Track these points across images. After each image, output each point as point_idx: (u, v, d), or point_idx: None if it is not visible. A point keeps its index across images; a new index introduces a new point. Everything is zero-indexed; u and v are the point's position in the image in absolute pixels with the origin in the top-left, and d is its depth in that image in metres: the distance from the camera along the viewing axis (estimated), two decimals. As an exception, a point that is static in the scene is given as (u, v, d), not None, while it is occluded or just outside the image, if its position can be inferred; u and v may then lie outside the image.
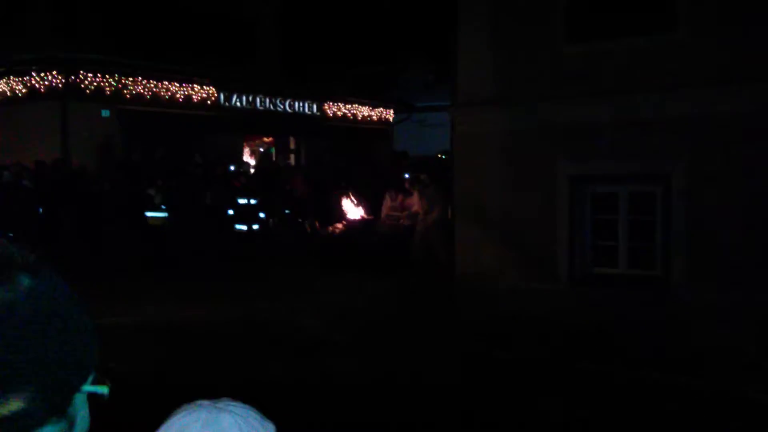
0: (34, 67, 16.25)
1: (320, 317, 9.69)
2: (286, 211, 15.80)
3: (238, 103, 19.74)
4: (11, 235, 11.34)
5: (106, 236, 12.19)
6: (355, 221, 16.04)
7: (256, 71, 19.94)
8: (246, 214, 14.46)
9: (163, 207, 12.88)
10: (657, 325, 8.43)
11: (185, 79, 18.21)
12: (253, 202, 14.73)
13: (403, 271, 12.25)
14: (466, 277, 10.54)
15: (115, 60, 16.53)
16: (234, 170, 16.97)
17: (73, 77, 16.13)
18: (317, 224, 16.14)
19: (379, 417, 6.23)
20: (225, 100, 19.32)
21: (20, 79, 16.53)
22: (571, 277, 9.90)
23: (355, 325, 9.36)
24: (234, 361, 7.71)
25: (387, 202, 14.88)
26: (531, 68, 10.15)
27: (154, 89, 17.62)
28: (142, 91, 17.35)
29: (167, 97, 17.91)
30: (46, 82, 16.31)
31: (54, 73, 16.20)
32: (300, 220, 16.06)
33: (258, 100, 20.27)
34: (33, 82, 16.39)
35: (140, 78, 17.26)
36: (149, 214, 12.79)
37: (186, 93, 18.32)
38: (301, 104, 21.66)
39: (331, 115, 22.82)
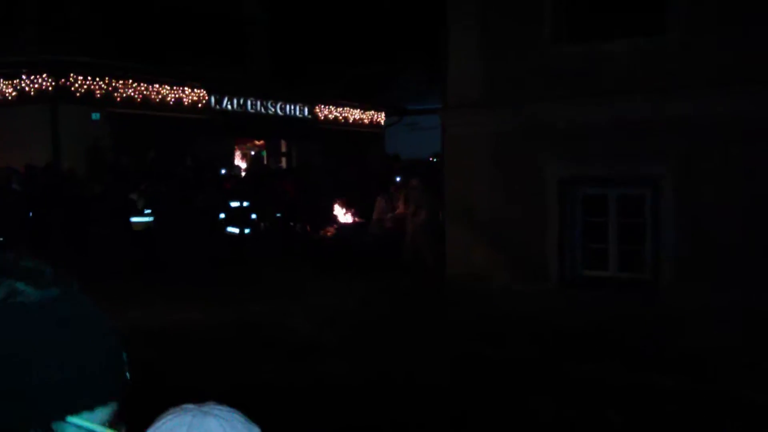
0: (23, 70, 16.20)
1: (311, 320, 9.68)
2: (278, 215, 15.78)
3: (229, 106, 19.72)
4: (1, 239, 11.30)
5: (93, 239, 12.13)
6: (346, 224, 16.05)
7: (247, 73, 19.93)
8: (238, 217, 14.44)
9: (147, 211, 12.83)
10: (647, 326, 8.46)
11: (176, 82, 18.19)
12: (245, 204, 14.71)
13: (395, 273, 12.26)
14: (456, 278, 10.56)
15: (105, 63, 16.49)
16: (225, 173, 16.95)
17: (63, 80, 16.09)
18: (308, 227, 16.15)
19: (371, 418, 6.23)
20: (216, 103, 19.30)
21: (10, 82, 16.47)
22: (561, 279, 9.93)
23: (346, 326, 9.36)
24: (225, 364, 7.70)
25: (379, 205, 14.90)
26: (520, 70, 10.19)
27: (145, 92, 17.58)
28: (132, 94, 17.31)
29: (158, 100, 17.88)
30: (36, 85, 16.26)
31: (44, 76, 16.15)
32: (291, 224, 16.05)
33: (249, 103, 20.26)
34: (23, 85, 16.34)
35: (131, 81, 17.22)
36: (133, 219, 12.73)
37: (177, 96, 18.29)
38: (292, 107, 21.66)
39: (322, 118, 22.83)
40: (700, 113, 8.95)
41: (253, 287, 11.38)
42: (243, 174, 18.35)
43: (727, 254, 8.81)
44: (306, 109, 22.13)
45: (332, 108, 23.10)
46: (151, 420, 1.27)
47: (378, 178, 17.47)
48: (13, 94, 16.50)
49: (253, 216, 14.93)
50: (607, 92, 9.48)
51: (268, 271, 12.45)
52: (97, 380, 1.00)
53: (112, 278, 10.96)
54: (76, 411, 0.99)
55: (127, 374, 1.10)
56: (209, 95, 19.01)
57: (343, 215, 16.31)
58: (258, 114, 20.59)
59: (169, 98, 18.09)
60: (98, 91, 16.65)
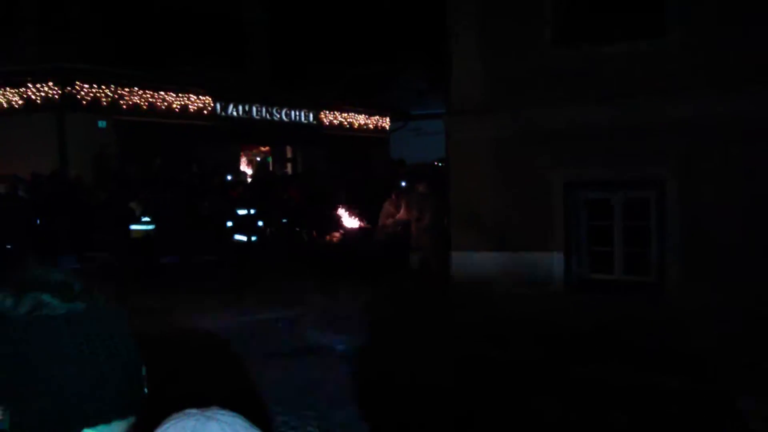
0: (29, 79, 16.29)
1: (317, 323, 9.71)
2: (284, 221, 15.82)
3: (235, 113, 19.78)
4: (9, 246, 11.36)
5: (97, 246, 12.19)
6: (352, 229, 16.08)
7: (248, 74, 19.94)
8: (245, 225, 14.47)
9: (145, 219, 12.85)
10: (652, 328, 8.45)
11: (181, 88, 18.25)
12: (252, 212, 14.75)
13: (400, 277, 12.26)
14: (462, 282, 10.56)
15: (110, 70, 16.57)
16: (231, 180, 17.00)
17: (68, 88, 16.17)
18: (314, 233, 16.18)
19: (375, 419, 6.27)
20: (221, 109, 19.36)
21: (16, 90, 16.56)
22: (567, 283, 9.93)
23: (350, 330, 9.39)
24: (228, 366, 7.72)
25: (386, 210, 14.89)
26: (522, 74, 10.19)
27: (150, 99, 17.65)
28: (138, 101, 17.39)
29: (163, 107, 17.95)
30: (42, 94, 16.35)
31: (50, 84, 16.24)
32: (297, 229, 16.08)
33: (254, 109, 20.31)
34: (29, 93, 16.43)
35: (136, 88, 17.30)
36: (132, 227, 12.76)
37: (182, 103, 18.36)
38: (297, 113, 21.71)
39: (327, 123, 22.87)
40: (701, 114, 8.95)
41: (256, 292, 11.41)
42: (249, 180, 18.40)
43: (730, 255, 8.80)
44: (311, 115, 22.17)
45: (337, 113, 23.13)
46: (152, 425, 1.29)
47: (383, 183, 17.48)
48: (20, 102, 16.60)
49: (260, 223, 14.97)
50: (609, 94, 9.47)
51: (274, 276, 12.48)
52: (116, 394, 1.02)
53: (115, 284, 10.99)
54: (93, 424, 1.00)
55: (146, 389, 1.12)
56: (214, 102, 19.08)
57: (348, 220, 16.33)
58: (263, 120, 20.65)
59: (174, 105, 18.16)
60: (104, 99, 16.73)
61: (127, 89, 17.12)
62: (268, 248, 14.73)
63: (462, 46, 10.66)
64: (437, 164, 20.01)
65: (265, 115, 20.71)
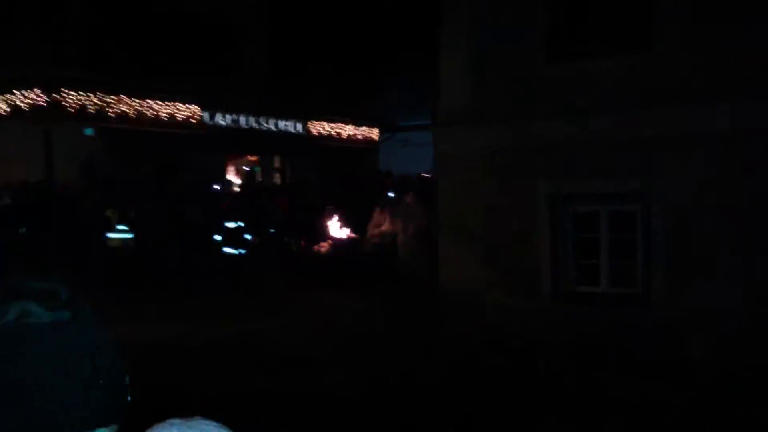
0: (16, 86, 16.22)
1: (305, 334, 9.70)
2: (271, 231, 15.78)
3: (223, 122, 19.76)
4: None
5: (81, 254, 12.10)
6: (340, 239, 16.05)
7: (239, 84, 19.91)
8: (234, 239, 14.42)
9: (122, 227, 12.77)
10: (639, 339, 8.50)
11: (169, 97, 18.22)
12: (241, 224, 14.72)
13: (389, 288, 12.27)
14: (449, 293, 10.57)
15: (98, 78, 16.52)
16: (218, 189, 16.95)
17: (56, 96, 16.10)
18: (303, 243, 16.13)
19: (359, 428, 6.28)
20: (209, 118, 19.33)
21: (3, 98, 16.48)
22: (554, 295, 9.95)
23: (335, 341, 9.39)
24: (218, 378, 7.70)
25: (375, 220, 14.90)
26: (509, 88, 10.25)
27: (138, 107, 17.61)
28: (125, 109, 17.34)
29: (151, 115, 17.90)
30: (29, 101, 16.28)
31: (37, 92, 16.17)
32: (285, 240, 16.04)
33: (242, 118, 20.29)
34: (16, 101, 16.35)
35: (124, 96, 17.25)
36: (108, 235, 12.69)
37: (170, 111, 18.32)
38: (285, 123, 21.71)
39: (316, 133, 22.87)
40: (689, 128, 9.02)
41: (246, 303, 11.38)
42: (236, 189, 18.35)
43: (715, 266, 8.86)
44: (300, 125, 22.16)
45: (325, 124, 23.15)
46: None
47: (371, 193, 17.47)
48: (7, 110, 16.52)
49: (248, 236, 14.91)
50: (596, 108, 9.53)
51: (262, 287, 12.45)
52: (100, 402, 1.02)
53: (99, 293, 10.88)
54: (76, 431, 1.01)
55: (129, 397, 1.12)
56: (203, 110, 19.05)
57: (337, 230, 16.31)
58: (251, 129, 20.62)
59: (162, 113, 18.12)
60: (91, 107, 16.67)
61: (114, 97, 17.07)
62: (257, 259, 14.68)
63: (451, 57, 10.71)
64: (424, 175, 20.04)
65: (254, 125, 20.69)
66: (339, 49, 21.28)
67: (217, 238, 14.12)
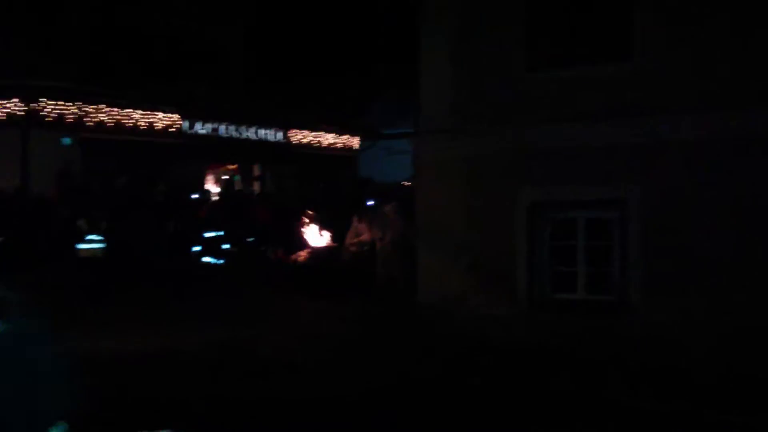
0: None
1: (283, 343, 9.67)
2: (249, 239, 15.73)
3: (203, 131, 19.70)
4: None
5: (52, 263, 12.00)
6: (319, 248, 16.01)
7: (219, 93, 19.88)
8: (212, 248, 14.35)
9: (93, 237, 12.67)
10: (614, 346, 8.57)
11: (149, 106, 18.15)
12: (219, 234, 14.65)
13: (367, 296, 12.26)
14: (428, 301, 10.60)
15: (76, 87, 16.44)
16: (197, 197, 16.87)
17: (33, 105, 16.01)
18: (281, 252, 16.08)
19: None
20: (189, 127, 19.27)
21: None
22: (530, 303, 10.00)
23: (312, 349, 9.38)
24: (194, 387, 7.65)
25: (354, 228, 14.88)
26: (490, 97, 10.32)
27: (117, 117, 17.53)
28: (104, 118, 17.25)
29: (130, 124, 17.82)
30: (7, 110, 16.16)
31: (15, 100, 16.07)
32: (263, 248, 15.99)
33: (222, 127, 20.25)
34: (-6, 110, 16.24)
35: (102, 105, 17.16)
36: (79, 245, 12.58)
37: (149, 120, 18.24)
38: (265, 131, 21.68)
39: (296, 142, 22.86)
40: (668, 137, 9.12)
41: (223, 312, 11.32)
42: (215, 198, 18.27)
43: (691, 273, 8.96)
44: (280, 134, 22.15)
45: (306, 132, 23.15)
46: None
47: (349, 202, 17.46)
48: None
49: (227, 246, 14.84)
50: (576, 117, 9.61)
51: (239, 296, 12.39)
52: (43, 407, 1.03)
53: (68, 302, 10.79)
54: None
55: (76, 400, 1.13)
56: (182, 119, 18.98)
57: (315, 239, 16.27)
58: (231, 138, 20.58)
59: (141, 123, 18.04)
60: (69, 116, 16.57)
61: (93, 106, 16.97)
62: (235, 268, 14.62)
63: (433, 66, 10.77)
64: (404, 184, 20.07)
65: (234, 134, 20.65)
66: (320, 58, 21.31)
67: (196, 248, 14.05)
